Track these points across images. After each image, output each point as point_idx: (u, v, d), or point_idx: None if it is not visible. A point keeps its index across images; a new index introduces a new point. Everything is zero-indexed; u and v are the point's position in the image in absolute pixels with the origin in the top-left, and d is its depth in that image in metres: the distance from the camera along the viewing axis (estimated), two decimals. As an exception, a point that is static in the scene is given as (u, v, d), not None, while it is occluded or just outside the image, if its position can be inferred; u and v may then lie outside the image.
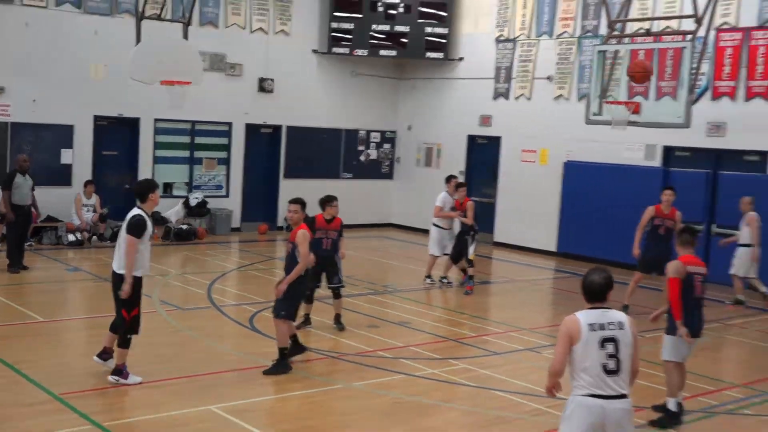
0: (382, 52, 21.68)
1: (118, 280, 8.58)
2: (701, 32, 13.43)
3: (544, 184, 19.02)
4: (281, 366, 9.34)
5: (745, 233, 14.39)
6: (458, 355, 10.67)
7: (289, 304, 9.46)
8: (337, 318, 11.51)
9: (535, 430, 8.07)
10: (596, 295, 5.74)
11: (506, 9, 20.49)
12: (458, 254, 14.76)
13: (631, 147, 17.91)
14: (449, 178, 15.53)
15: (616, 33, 15.13)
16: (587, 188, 18.38)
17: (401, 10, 21.45)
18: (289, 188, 20.43)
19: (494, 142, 20.97)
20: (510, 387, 9.37)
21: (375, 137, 23.16)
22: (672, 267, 8.36)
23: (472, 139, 21.64)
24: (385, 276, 16.76)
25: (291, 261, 9.45)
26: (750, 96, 16.16)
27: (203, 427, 7.75)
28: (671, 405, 8.32)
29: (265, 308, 12.40)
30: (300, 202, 9.61)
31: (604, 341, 5.63)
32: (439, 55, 21.71)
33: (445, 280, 15.23)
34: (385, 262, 18.43)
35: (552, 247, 19.24)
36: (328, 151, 22.31)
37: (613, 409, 5.62)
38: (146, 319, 9.12)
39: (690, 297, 8.34)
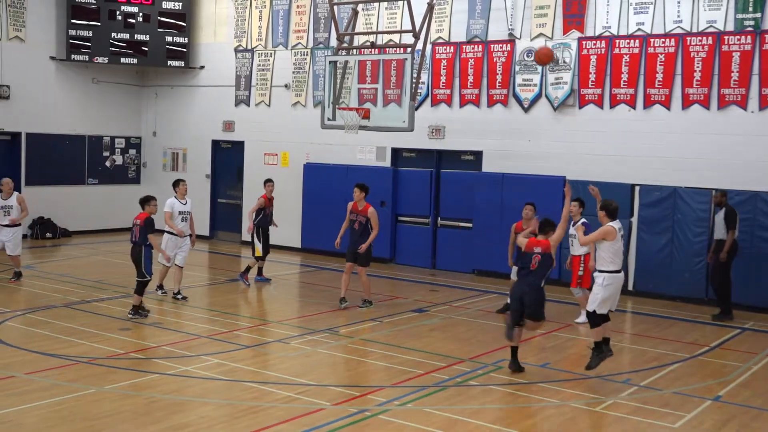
0: (123, 60, 20.76)
1: None
2: (419, 45, 14.03)
3: (287, 185, 19.11)
4: None
5: None
6: (210, 351, 10.43)
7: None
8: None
9: (287, 416, 8.05)
10: None
11: (243, 21, 20.38)
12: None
13: (364, 149, 18.53)
14: (177, 183, 13.96)
15: (344, 45, 15.51)
16: (326, 188, 18.75)
17: (140, 19, 20.65)
18: (32, 195, 18.91)
19: (238, 146, 20.80)
20: (261, 378, 9.31)
21: (120, 143, 22.15)
22: None
23: (216, 144, 21.33)
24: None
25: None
26: (463, 103, 17.18)
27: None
28: None
29: None
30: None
31: None
32: (180, 63, 21.17)
33: (179, 296, 13.52)
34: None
35: (297, 243, 19.43)
36: (72, 158, 21.01)
37: None
38: None
39: None
